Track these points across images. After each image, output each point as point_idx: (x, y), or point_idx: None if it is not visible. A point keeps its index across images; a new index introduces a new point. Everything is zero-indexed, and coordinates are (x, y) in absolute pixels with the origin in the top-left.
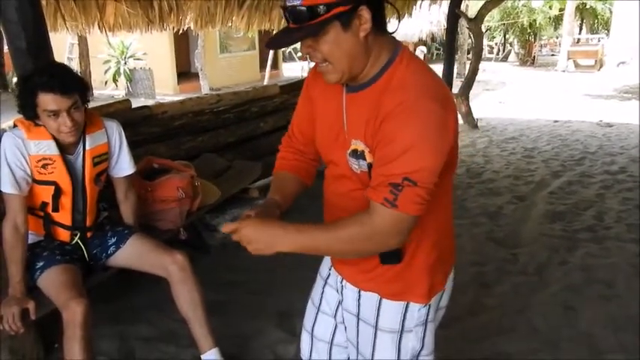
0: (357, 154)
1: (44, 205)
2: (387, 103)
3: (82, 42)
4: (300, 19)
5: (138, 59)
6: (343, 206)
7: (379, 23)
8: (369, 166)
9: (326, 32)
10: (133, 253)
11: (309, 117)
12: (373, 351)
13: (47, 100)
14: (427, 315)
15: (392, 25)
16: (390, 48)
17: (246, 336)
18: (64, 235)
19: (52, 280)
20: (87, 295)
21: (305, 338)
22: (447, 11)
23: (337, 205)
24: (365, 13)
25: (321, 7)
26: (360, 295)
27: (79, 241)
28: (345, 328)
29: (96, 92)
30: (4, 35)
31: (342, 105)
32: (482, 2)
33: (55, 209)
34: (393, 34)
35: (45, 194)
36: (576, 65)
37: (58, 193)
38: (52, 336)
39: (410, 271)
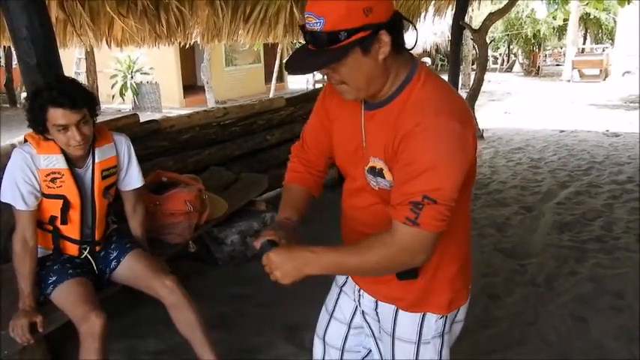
0: (375, 172)
1: (53, 218)
2: (406, 123)
3: (90, 57)
4: (319, 43)
5: (145, 73)
6: (363, 220)
7: (398, 44)
8: (389, 184)
9: (346, 57)
10: (129, 273)
11: (323, 128)
12: (393, 359)
13: (56, 115)
14: (444, 327)
15: (409, 39)
16: (407, 66)
17: (255, 350)
18: (72, 249)
19: (67, 294)
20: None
21: (317, 345)
22: (451, 23)
23: (356, 219)
24: (385, 37)
25: (342, 33)
26: (377, 305)
27: (88, 255)
28: (372, 331)
29: (103, 106)
30: (14, 51)
31: (360, 121)
32: (487, 13)
33: (64, 223)
34: (410, 50)
35: (54, 208)
36: (581, 75)
37: (66, 206)
38: (61, 350)
39: (430, 285)
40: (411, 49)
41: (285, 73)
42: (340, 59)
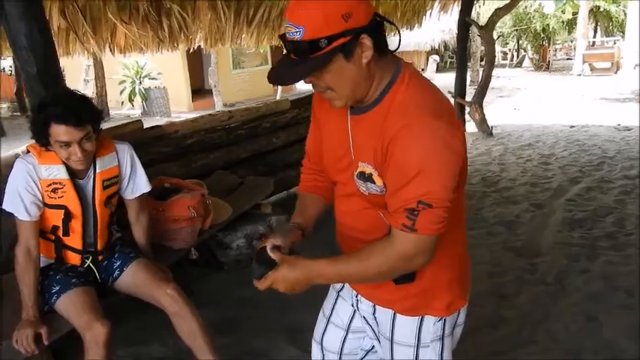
0: (365, 177)
1: (55, 228)
2: (391, 126)
3: (98, 64)
4: (301, 52)
5: (153, 78)
6: (355, 225)
7: (380, 47)
8: (380, 189)
9: (329, 64)
10: (131, 282)
11: (316, 137)
12: None
13: (59, 132)
14: (443, 329)
15: (392, 41)
16: (391, 68)
17: (259, 353)
18: (74, 258)
19: (71, 303)
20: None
21: (315, 349)
22: (457, 19)
23: (349, 225)
24: (366, 41)
25: (323, 40)
26: (375, 310)
27: (90, 264)
28: (376, 334)
29: (112, 112)
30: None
31: (347, 127)
32: (493, 9)
33: (66, 233)
34: (394, 52)
35: (55, 218)
36: (592, 69)
37: (68, 217)
38: (63, 358)
39: (428, 288)
40: (394, 51)
41: None
42: (323, 67)
